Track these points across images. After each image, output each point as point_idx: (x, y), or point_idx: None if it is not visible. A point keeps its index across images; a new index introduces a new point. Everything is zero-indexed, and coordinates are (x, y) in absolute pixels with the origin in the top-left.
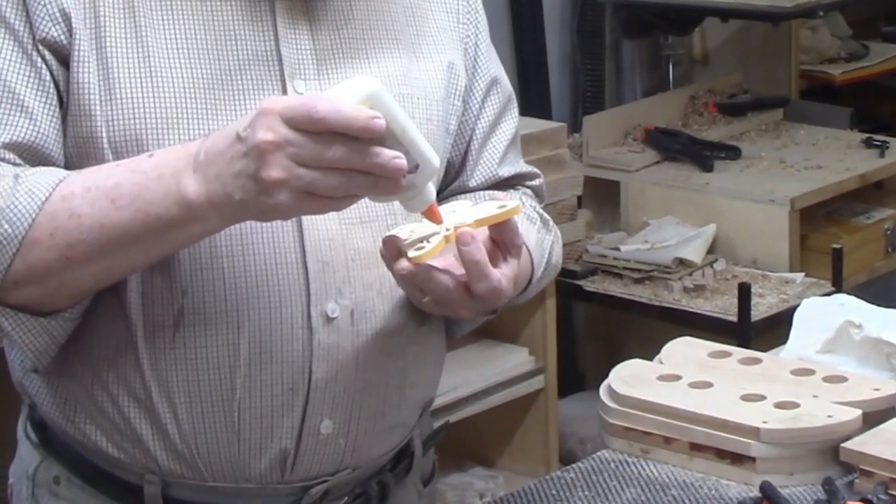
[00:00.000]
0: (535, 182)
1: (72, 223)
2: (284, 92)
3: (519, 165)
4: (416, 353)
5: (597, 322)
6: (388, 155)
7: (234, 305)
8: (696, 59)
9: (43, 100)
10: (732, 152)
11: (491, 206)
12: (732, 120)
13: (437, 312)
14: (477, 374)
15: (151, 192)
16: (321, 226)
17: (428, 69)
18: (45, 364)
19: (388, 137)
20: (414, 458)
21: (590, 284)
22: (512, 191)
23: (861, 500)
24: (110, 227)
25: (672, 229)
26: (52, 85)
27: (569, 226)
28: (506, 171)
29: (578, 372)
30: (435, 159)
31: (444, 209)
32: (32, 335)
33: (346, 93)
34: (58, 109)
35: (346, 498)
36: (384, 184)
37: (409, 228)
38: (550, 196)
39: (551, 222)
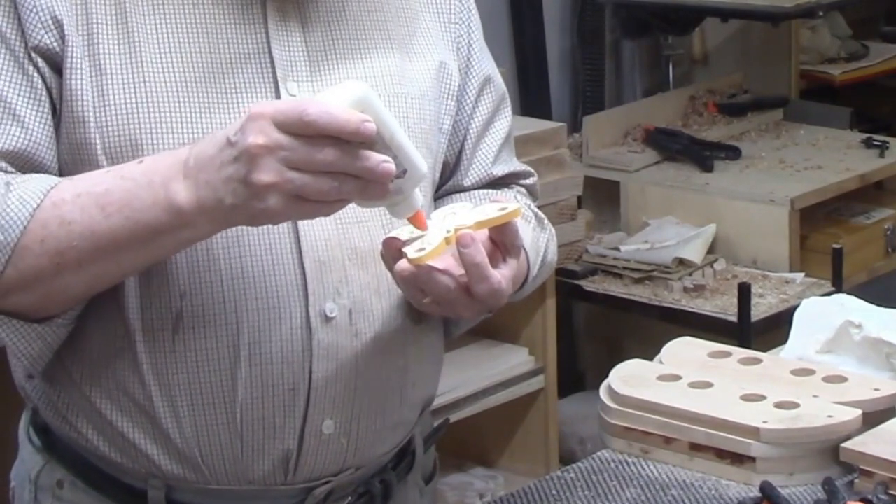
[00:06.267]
0: (529, 180)
1: (62, 230)
2: (277, 93)
3: (513, 164)
4: (416, 351)
5: (597, 322)
6: (378, 159)
7: (232, 307)
8: (696, 59)
9: (35, 108)
10: (732, 152)
11: (491, 208)
12: (732, 120)
13: (436, 313)
14: (477, 374)
15: (141, 199)
16: (317, 226)
17: (421, 68)
18: (40, 369)
19: (377, 142)
20: (415, 456)
21: (590, 284)
22: (506, 189)
23: (861, 500)
24: (100, 234)
25: (672, 229)
26: (44, 92)
27: (569, 226)
28: (500, 170)
29: (578, 372)
30: (423, 165)
31: (445, 211)
32: (26, 341)
33: (336, 97)
34: (50, 117)
35: (350, 498)
36: (373, 188)
37: (409, 229)
38: (550, 196)
39: (546, 220)
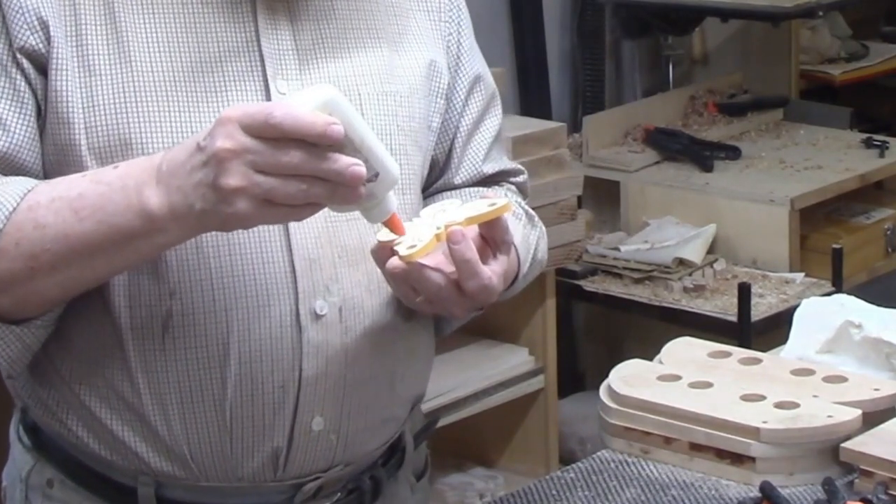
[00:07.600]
0: (520, 178)
1: (37, 233)
2: (266, 89)
3: (503, 162)
4: (405, 348)
5: (597, 322)
6: (347, 162)
7: (222, 305)
8: (696, 59)
9: (17, 110)
10: (732, 152)
11: (481, 204)
12: (732, 120)
13: (428, 311)
14: (477, 374)
15: (114, 203)
16: (307, 224)
17: (410, 66)
18: (18, 370)
19: (346, 146)
20: (405, 452)
21: (590, 284)
22: (496, 187)
23: (861, 500)
24: (73, 238)
25: (672, 229)
26: (27, 94)
27: (569, 226)
28: (490, 168)
29: (578, 372)
30: (395, 169)
31: (434, 208)
32: (4, 343)
33: (304, 99)
34: (34, 119)
35: (339, 494)
36: (343, 191)
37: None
38: (550, 196)
39: (536, 218)
